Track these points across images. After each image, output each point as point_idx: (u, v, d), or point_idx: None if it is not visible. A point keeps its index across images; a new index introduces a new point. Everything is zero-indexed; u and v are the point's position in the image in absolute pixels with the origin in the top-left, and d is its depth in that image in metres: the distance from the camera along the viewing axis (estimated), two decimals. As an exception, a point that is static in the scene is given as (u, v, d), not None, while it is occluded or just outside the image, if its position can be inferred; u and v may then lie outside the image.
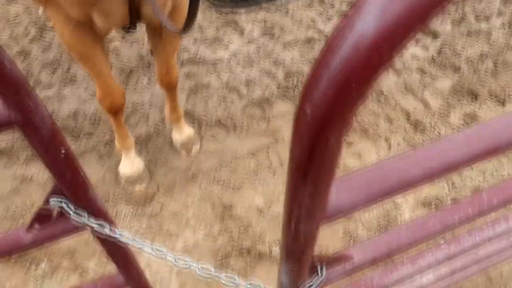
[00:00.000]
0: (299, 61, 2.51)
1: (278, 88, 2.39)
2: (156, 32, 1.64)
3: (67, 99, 2.36)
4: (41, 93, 2.36)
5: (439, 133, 2.20)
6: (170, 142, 2.16)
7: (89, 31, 1.44)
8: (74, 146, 2.15)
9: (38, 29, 2.68)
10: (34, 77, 2.44)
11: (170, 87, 1.92)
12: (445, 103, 2.34)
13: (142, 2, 1.37)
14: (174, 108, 2.04)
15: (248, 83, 2.41)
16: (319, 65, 0.39)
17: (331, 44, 0.37)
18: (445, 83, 2.43)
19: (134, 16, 1.42)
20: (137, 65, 2.50)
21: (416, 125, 2.24)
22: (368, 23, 0.34)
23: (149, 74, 2.44)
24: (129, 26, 1.51)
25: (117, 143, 1.99)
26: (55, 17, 1.41)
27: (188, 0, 1.30)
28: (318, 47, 2.55)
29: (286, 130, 2.20)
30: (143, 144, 2.17)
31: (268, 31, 2.66)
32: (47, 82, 2.42)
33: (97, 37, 1.50)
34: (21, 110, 0.58)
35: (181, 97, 2.29)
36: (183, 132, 2.10)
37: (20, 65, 2.46)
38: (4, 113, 0.58)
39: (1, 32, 2.69)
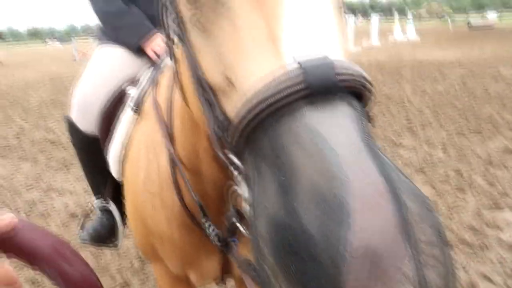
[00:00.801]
0: None
1: None
2: (242, 283, 1.59)
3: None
4: (130, 326, 2.18)
5: None
6: None
7: (184, 285, 1.43)
8: None
9: (141, 263, 2.71)
10: (128, 308, 2.32)
11: None
12: None
13: (234, 265, 1.35)
14: None
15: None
16: None
17: None
18: None
19: (224, 274, 1.39)
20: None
21: None
22: None
23: (232, 314, 2.22)
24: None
25: None
26: (157, 271, 1.45)
27: None
28: None
29: None
30: None
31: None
32: (138, 315, 2.27)
33: None
34: None
35: None
36: None
37: (119, 297, 2.38)
38: None
39: (110, 263, 2.74)
